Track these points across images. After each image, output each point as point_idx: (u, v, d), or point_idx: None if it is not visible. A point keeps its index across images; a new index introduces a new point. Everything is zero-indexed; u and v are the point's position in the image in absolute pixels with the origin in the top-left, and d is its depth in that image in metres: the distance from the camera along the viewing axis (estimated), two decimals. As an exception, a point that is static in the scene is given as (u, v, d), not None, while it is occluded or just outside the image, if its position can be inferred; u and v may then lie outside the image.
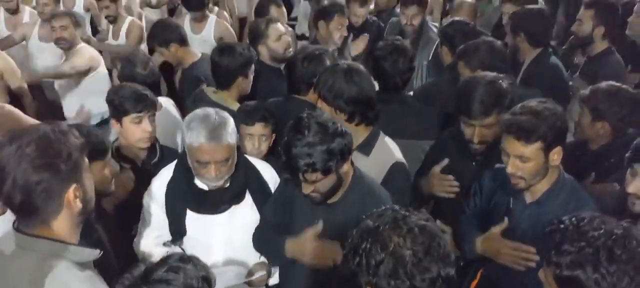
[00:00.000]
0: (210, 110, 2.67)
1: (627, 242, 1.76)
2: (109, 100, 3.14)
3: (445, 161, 3.13)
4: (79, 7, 6.72)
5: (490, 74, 2.97)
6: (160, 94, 3.94)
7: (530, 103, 2.55)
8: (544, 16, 4.24)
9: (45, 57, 5.53)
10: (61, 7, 5.85)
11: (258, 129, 3.18)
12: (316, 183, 2.43)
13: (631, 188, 2.54)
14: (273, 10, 5.05)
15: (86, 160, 1.90)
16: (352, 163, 2.56)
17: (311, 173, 2.39)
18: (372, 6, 5.82)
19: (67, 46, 4.95)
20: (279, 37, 4.18)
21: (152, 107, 3.14)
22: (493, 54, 3.51)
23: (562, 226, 1.86)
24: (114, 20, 5.82)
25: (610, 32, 4.21)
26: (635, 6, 4.70)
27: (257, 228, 2.85)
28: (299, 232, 2.63)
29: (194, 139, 2.59)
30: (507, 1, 4.87)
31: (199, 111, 2.67)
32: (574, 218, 1.87)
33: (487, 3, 6.04)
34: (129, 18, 5.96)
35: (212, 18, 5.67)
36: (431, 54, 4.75)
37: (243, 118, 3.19)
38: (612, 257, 1.75)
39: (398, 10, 5.41)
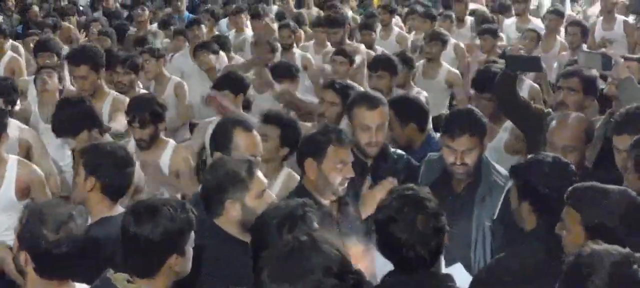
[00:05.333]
0: None
1: None
2: None
3: None
4: None
5: (619, 250, 2.28)
6: (75, 275, 2.74)
7: None
8: None
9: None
10: None
11: None
12: None
13: None
14: (239, 138, 3.37)
15: None
16: None
17: None
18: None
19: None
20: (262, 192, 2.92)
21: None
22: (631, 214, 2.66)
23: None
24: None
25: None
26: None
27: None
28: None
29: None
30: (623, 131, 3.45)
31: None
32: None
33: None
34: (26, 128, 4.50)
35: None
36: (498, 210, 3.39)
37: None
38: None
39: (435, 134, 4.26)
